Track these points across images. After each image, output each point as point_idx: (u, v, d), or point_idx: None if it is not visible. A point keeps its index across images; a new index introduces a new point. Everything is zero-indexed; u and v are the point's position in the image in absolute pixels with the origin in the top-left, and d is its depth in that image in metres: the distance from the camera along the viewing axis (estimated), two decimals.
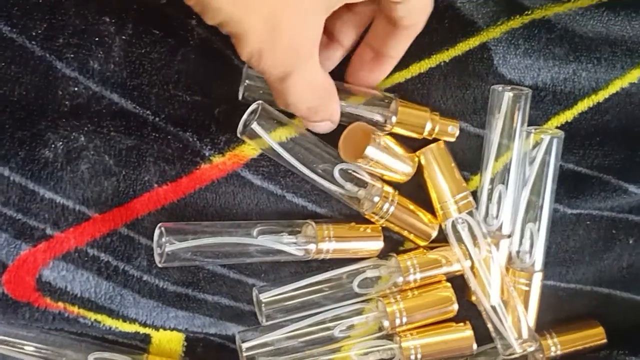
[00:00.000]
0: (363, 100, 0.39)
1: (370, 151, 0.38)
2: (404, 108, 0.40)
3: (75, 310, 0.39)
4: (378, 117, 0.40)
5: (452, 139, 0.41)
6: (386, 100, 0.40)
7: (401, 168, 0.41)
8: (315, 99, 0.34)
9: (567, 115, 0.43)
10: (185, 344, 0.43)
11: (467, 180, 0.43)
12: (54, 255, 0.38)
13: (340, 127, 0.39)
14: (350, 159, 0.39)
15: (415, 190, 0.42)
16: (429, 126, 0.40)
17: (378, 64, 0.38)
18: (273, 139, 0.38)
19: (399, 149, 0.40)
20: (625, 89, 0.42)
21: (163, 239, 0.37)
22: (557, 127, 0.43)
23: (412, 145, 0.42)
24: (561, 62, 0.41)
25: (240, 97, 0.38)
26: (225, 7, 0.27)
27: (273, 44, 0.29)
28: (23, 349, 0.39)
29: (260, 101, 0.37)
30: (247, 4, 0.27)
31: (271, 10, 0.28)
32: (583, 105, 0.43)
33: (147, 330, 0.41)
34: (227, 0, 0.27)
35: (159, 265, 0.38)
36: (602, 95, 0.42)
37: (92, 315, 0.40)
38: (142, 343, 0.42)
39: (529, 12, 0.41)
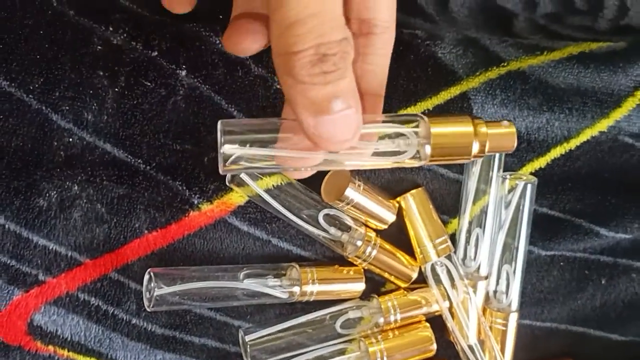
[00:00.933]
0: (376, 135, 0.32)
1: (350, 192, 0.43)
2: (439, 127, 0.31)
3: (65, 353, 0.43)
4: (406, 150, 0.32)
5: (511, 149, 0.36)
6: (413, 124, 0.32)
7: (382, 213, 0.45)
8: (347, 31, 0.26)
9: (541, 162, 0.48)
10: None
11: (446, 223, 0.48)
12: (45, 300, 0.42)
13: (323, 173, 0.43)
14: (331, 200, 0.44)
15: (396, 233, 0.47)
16: (476, 147, 0.32)
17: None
18: (260, 186, 0.43)
19: (378, 195, 0.45)
20: (595, 137, 0.47)
21: (152, 284, 0.41)
22: (531, 173, 0.48)
23: (394, 189, 0.46)
24: (535, 112, 0.46)
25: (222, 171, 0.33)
26: None
27: None
28: None
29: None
30: None
31: None
32: (556, 153, 0.48)
33: None
34: None
35: (148, 310, 0.42)
36: (573, 143, 0.47)
37: (81, 358, 0.43)
38: None
39: (505, 64, 0.46)
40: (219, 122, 0.30)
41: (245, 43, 0.34)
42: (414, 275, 0.47)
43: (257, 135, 0.31)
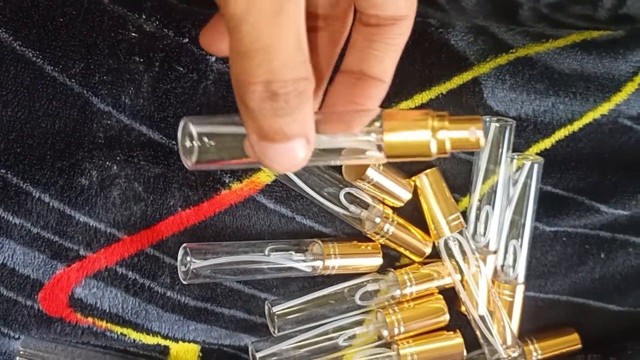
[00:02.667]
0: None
1: (370, 172, 0.47)
2: (393, 121, 0.30)
3: (103, 324, 0.47)
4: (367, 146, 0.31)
5: (477, 148, 0.31)
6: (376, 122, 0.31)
7: (399, 192, 0.50)
8: (304, 68, 0.25)
9: (546, 143, 0.52)
10: (201, 354, 0.50)
11: (457, 201, 0.52)
12: (86, 274, 0.46)
13: None
14: (352, 179, 0.48)
15: (411, 211, 0.51)
16: (433, 146, 0.30)
17: (362, 93, 0.32)
18: None
19: (396, 174, 0.49)
20: (597, 120, 0.52)
21: (187, 258, 0.45)
22: (537, 154, 0.52)
23: (410, 169, 0.51)
24: (542, 96, 0.51)
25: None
26: None
27: None
28: None
29: None
30: None
31: None
32: (560, 134, 0.52)
33: (167, 342, 0.49)
34: None
35: (184, 282, 0.46)
36: (577, 126, 0.52)
37: (118, 329, 0.47)
38: (160, 354, 0.49)
39: (514, 50, 0.51)
40: (182, 119, 0.30)
41: (219, 44, 0.32)
42: (428, 250, 0.51)
43: (221, 127, 0.31)
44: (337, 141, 0.30)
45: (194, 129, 0.30)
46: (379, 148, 0.30)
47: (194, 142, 0.30)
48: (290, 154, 0.27)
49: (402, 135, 0.29)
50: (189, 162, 0.30)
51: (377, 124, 0.30)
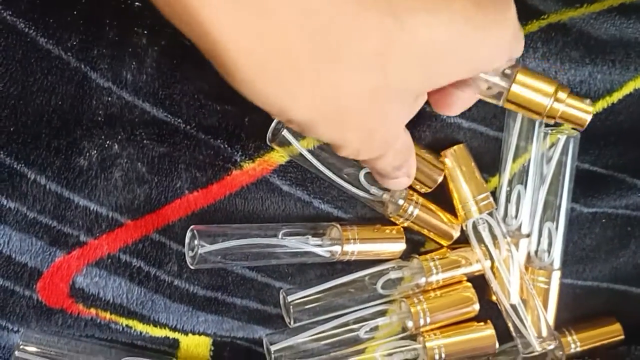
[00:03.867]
0: None
1: None
2: (526, 75, 0.35)
3: (107, 316, 0.44)
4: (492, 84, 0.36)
5: (582, 127, 0.37)
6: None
7: (427, 174, 0.46)
8: (401, 159, 0.38)
9: None
10: (213, 348, 0.48)
11: (485, 181, 0.49)
12: (87, 262, 0.43)
13: None
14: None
15: (436, 191, 0.48)
16: (549, 105, 0.36)
17: None
18: (302, 146, 0.44)
19: (427, 154, 0.46)
20: (638, 90, 0.48)
21: (195, 242, 0.42)
22: (573, 128, 0.49)
23: (435, 146, 0.47)
24: (577, 65, 0.47)
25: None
26: (328, 130, 0.31)
27: (370, 144, 0.33)
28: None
29: None
30: (346, 124, 0.30)
31: (367, 127, 0.31)
32: (598, 107, 0.48)
33: (176, 335, 0.46)
34: (327, 122, 0.30)
35: (192, 267, 0.43)
36: (616, 97, 0.48)
37: (123, 321, 0.45)
38: (170, 348, 0.47)
39: (545, 17, 0.47)
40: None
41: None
42: (456, 234, 0.48)
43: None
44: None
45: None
46: (499, 94, 0.36)
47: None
48: (398, 184, 0.41)
49: (527, 91, 0.35)
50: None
51: (508, 71, 0.35)
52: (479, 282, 0.48)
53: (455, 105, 0.38)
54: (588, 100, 0.36)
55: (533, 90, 0.35)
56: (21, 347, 0.43)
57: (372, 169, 0.39)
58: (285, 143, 0.43)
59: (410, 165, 0.40)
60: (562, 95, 0.35)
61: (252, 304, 0.46)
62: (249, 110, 0.43)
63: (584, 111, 0.36)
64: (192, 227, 0.42)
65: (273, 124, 0.42)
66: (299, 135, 0.43)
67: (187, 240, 0.42)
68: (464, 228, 0.48)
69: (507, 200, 0.48)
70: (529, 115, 0.36)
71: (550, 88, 0.35)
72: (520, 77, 0.34)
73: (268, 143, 0.43)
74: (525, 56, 0.46)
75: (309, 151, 0.43)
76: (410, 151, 0.39)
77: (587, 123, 0.36)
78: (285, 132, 0.42)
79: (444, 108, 0.38)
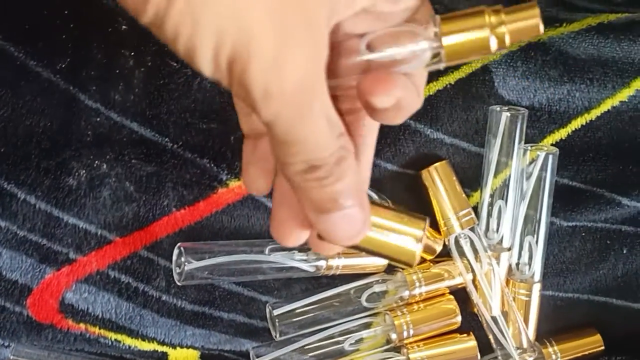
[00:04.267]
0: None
1: None
2: (449, 24, 0.28)
3: (96, 330, 0.45)
4: (421, 53, 0.29)
5: (538, 33, 0.29)
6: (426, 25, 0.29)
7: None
8: (339, 140, 0.26)
9: (562, 133, 0.50)
10: None
11: (467, 196, 0.50)
12: (76, 278, 0.44)
13: None
14: None
15: (419, 207, 0.49)
16: (493, 42, 0.28)
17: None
18: None
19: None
20: (616, 108, 0.49)
21: (182, 258, 0.44)
22: (552, 145, 0.50)
23: (417, 163, 0.49)
24: (556, 83, 0.48)
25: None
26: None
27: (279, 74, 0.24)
28: None
29: None
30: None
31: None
32: (576, 124, 0.50)
33: (164, 349, 0.47)
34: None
35: (179, 284, 0.44)
36: (594, 114, 0.50)
37: (112, 335, 0.46)
38: None
39: None
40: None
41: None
42: (438, 248, 0.49)
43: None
44: (390, 54, 0.29)
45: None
46: (435, 55, 0.29)
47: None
48: (348, 220, 0.27)
49: (460, 36, 0.29)
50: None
51: (430, 29, 0.29)
52: (461, 295, 0.50)
53: (395, 94, 0.28)
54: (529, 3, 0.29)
55: (466, 32, 0.28)
56: None
57: (307, 162, 0.26)
58: None
59: (355, 175, 0.27)
60: (495, 19, 0.28)
61: (239, 317, 0.47)
62: (234, 129, 0.44)
63: (530, 17, 0.29)
64: (179, 244, 0.43)
65: None
66: None
67: (174, 257, 0.44)
68: (447, 242, 0.49)
69: (489, 214, 0.50)
70: (479, 56, 0.30)
71: (481, 19, 0.28)
72: (445, 27, 0.28)
73: None
74: (505, 74, 0.48)
75: None
76: (347, 138, 0.27)
77: (540, 24, 0.29)
78: None
79: (383, 99, 0.28)
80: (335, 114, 0.26)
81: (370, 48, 0.28)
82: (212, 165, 0.44)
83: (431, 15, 0.28)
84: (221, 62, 0.23)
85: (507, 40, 0.29)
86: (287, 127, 0.24)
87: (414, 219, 0.35)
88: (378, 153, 0.44)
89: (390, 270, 0.49)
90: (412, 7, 0.29)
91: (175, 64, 0.43)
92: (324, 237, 0.28)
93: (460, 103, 0.47)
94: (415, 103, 0.29)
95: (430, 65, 0.29)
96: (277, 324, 0.46)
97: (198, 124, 0.44)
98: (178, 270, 0.43)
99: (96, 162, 0.43)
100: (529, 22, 0.29)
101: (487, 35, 0.28)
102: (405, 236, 0.34)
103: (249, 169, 0.32)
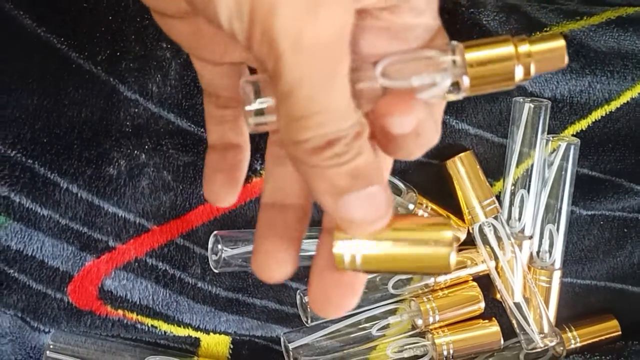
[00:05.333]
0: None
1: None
2: (472, 51, 0.27)
3: (134, 316, 0.47)
4: (441, 80, 0.27)
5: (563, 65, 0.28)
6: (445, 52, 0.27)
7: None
8: (357, 114, 0.24)
9: (582, 124, 0.52)
10: (232, 346, 0.51)
11: (490, 186, 0.52)
12: (115, 266, 0.46)
13: None
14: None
15: (444, 197, 0.51)
16: (519, 73, 0.27)
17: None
18: None
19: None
20: (635, 99, 0.51)
21: (219, 246, 0.45)
22: (573, 136, 0.52)
23: (443, 153, 0.50)
24: (577, 75, 0.50)
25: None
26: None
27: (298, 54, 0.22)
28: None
29: None
30: None
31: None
32: (597, 115, 0.52)
33: (198, 334, 0.49)
34: None
35: (215, 271, 0.46)
36: (614, 105, 0.52)
37: (149, 321, 0.47)
38: (191, 347, 0.49)
39: (547, 29, 0.50)
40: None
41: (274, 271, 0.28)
42: (463, 237, 0.51)
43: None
44: (407, 82, 0.27)
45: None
46: (454, 83, 0.27)
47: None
48: (370, 200, 0.24)
49: (485, 66, 0.27)
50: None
51: (452, 58, 0.27)
52: (484, 282, 0.51)
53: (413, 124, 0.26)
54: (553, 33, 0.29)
55: (491, 61, 0.27)
56: (51, 347, 0.45)
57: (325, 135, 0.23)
58: None
59: (372, 153, 0.25)
60: (522, 48, 0.27)
61: (271, 304, 0.49)
62: None
63: (556, 48, 0.28)
64: (215, 232, 0.45)
65: None
66: None
67: (210, 245, 0.45)
68: (471, 231, 0.51)
69: (511, 203, 0.51)
70: (500, 88, 0.28)
71: (508, 49, 0.27)
72: (469, 55, 0.26)
73: None
74: None
75: None
76: (365, 123, 0.24)
77: (566, 55, 0.28)
78: None
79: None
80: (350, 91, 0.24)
81: (385, 75, 0.26)
82: None
83: (450, 42, 0.27)
84: (242, 3, 0.20)
85: (533, 71, 0.27)
86: (312, 92, 0.22)
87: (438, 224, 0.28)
88: None
89: None
90: (431, 28, 0.26)
91: None
92: (343, 227, 0.26)
93: (485, 95, 0.49)
94: (433, 136, 0.26)
95: (449, 95, 0.27)
96: (308, 309, 0.47)
97: None
98: (214, 258, 0.45)
99: (135, 152, 0.44)
100: (555, 53, 0.28)
101: (513, 65, 0.27)
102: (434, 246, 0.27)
103: (217, 178, 0.31)
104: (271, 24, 0.20)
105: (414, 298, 0.50)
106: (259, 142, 0.46)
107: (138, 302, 0.46)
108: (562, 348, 0.53)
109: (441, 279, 0.50)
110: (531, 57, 0.27)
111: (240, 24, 0.20)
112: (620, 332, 0.54)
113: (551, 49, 0.28)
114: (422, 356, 0.51)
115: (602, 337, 0.54)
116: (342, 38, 0.22)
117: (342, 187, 0.24)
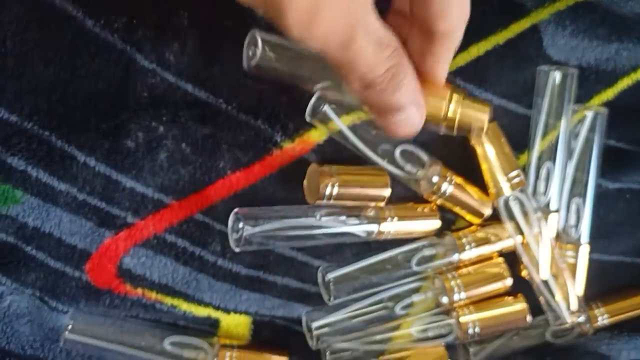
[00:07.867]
0: None
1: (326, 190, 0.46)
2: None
3: (153, 295, 0.47)
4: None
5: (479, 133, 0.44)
6: None
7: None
8: (390, 60, 0.32)
9: (609, 94, 0.52)
10: (252, 327, 0.51)
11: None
12: (134, 243, 0.46)
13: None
14: (312, 200, 0.47)
15: (468, 169, 0.51)
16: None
17: None
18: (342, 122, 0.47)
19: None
20: None
21: (240, 224, 0.46)
22: (599, 105, 0.53)
23: None
24: (604, 42, 0.51)
25: (246, 66, 0.43)
26: None
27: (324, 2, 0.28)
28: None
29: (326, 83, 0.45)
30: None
31: None
32: (624, 84, 0.52)
33: (218, 315, 0.49)
34: None
35: (236, 250, 0.46)
36: None
37: (169, 300, 0.48)
38: (211, 327, 0.50)
39: None
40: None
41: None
42: (488, 212, 0.51)
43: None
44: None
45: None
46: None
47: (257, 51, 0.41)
48: (406, 120, 0.36)
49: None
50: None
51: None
52: (509, 258, 0.52)
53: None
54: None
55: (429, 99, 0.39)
56: (70, 327, 0.45)
57: (359, 76, 0.32)
58: (324, 120, 0.46)
59: (412, 81, 0.34)
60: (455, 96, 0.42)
61: (293, 282, 0.49)
62: (286, 89, 0.46)
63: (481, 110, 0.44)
64: (235, 210, 0.45)
65: (312, 100, 0.45)
66: (338, 113, 0.46)
67: (230, 223, 0.45)
68: (495, 205, 0.51)
69: (536, 177, 0.52)
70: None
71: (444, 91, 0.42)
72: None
73: (307, 119, 0.46)
74: (554, 34, 0.50)
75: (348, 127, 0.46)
76: (401, 53, 0.33)
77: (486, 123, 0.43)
78: (327, 108, 0.45)
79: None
80: (386, 32, 0.32)
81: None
82: (267, 126, 0.46)
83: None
84: None
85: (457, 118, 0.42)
86: (334, 55, 0.31)
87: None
88: None
89: (438, 234, 0.51)
90: None
91: (229, 23, 0.45)
92: (387, 132, 0.37)
93: (509, 63, 0.50)
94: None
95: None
96: (331, 287, 0.48)
97: (251, 84, 0.46)
98: (235, 236, 0.45)
99: (153, 123, 0.44)
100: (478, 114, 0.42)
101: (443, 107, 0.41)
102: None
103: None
104: None
105: (438, 275, 0.51)
106: (278, 113, 0.46)
107: (157, 281, 0.46)
108: (588, 325, 0.53)
109: (466, 255, 0.50)
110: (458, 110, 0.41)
111: None
112: None
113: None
114: (446, 335, 0.51)
115: (630, 313, 0.54)
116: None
117: (383, 112, 0.36)
